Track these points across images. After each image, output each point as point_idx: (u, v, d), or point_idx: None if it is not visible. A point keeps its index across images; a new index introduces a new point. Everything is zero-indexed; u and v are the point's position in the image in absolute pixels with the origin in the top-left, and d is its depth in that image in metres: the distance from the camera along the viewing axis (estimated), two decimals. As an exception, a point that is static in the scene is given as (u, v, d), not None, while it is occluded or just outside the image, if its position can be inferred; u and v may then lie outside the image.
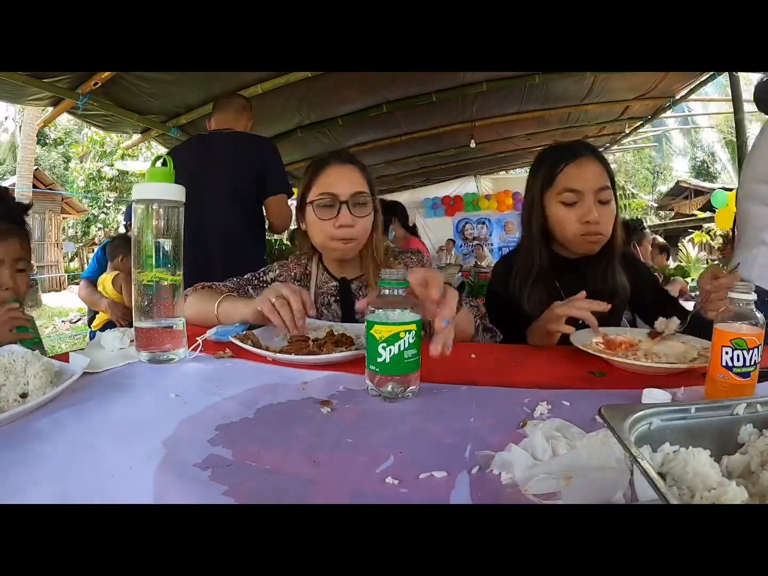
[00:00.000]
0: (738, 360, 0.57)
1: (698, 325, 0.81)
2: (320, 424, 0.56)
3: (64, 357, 0.74)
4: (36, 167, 10.77)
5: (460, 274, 4.77)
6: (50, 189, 12.05)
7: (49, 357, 0.70)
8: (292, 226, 2.05)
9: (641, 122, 4.86)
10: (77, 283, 2.58)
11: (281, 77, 2.57)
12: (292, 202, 1.36)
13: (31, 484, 0.43)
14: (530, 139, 5.23)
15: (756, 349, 0.56)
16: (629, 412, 0.40)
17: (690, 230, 7.92)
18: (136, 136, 3.06)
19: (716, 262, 6.30)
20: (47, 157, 14.20)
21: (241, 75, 2.49)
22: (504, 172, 8.29)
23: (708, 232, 8.04)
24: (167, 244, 0.78)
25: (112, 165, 13.28)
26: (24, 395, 0.60)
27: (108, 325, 2.26)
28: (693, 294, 3.11)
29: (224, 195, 1.85)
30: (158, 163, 0.81)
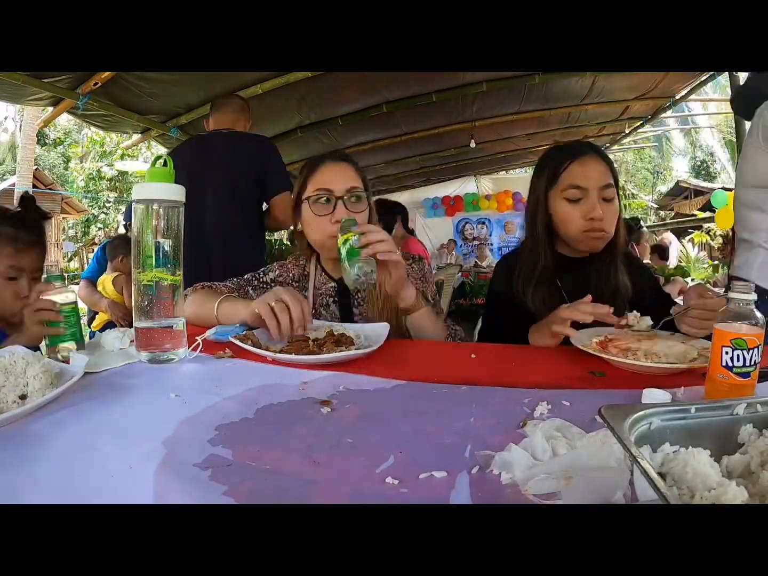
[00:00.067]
0: (738, 360, 0.56)
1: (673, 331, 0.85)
2: (320, 424, 0.56)
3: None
4: (36, 167, 10.77)
5: (460, 274, 4.77)
6: (50, 189, 12.05)
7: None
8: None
9: (641, 122, 4.86)
10: (77, 284, 2.57)
11: (281, 77, 2.57)
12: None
13: (31, 484, 0.43)
14: (530, 139, 5.23)
15: (756, 349, 0.56)
16: (629, 412, 0.40)
17: (690, 230, 7.92)
18: (136, 136, 3.06)
19: (716, 262, 6.30)
20: (47, 157, 14.20)
21: (241, 75, 2.49)
22: (504, 172, 8.28)
23: (708, 232, 8.04)
24: (167, 244, 0.78)
25: (112, 165, 13.29)
26: (23, 396, 0.60)
27: (108, 325, 2.26)
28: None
29: (224, 195, 1.85)
30: (158, 163, 0.81)
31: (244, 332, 0.87)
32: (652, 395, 0.58)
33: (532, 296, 1.05)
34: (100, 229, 14.46)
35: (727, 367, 0.57)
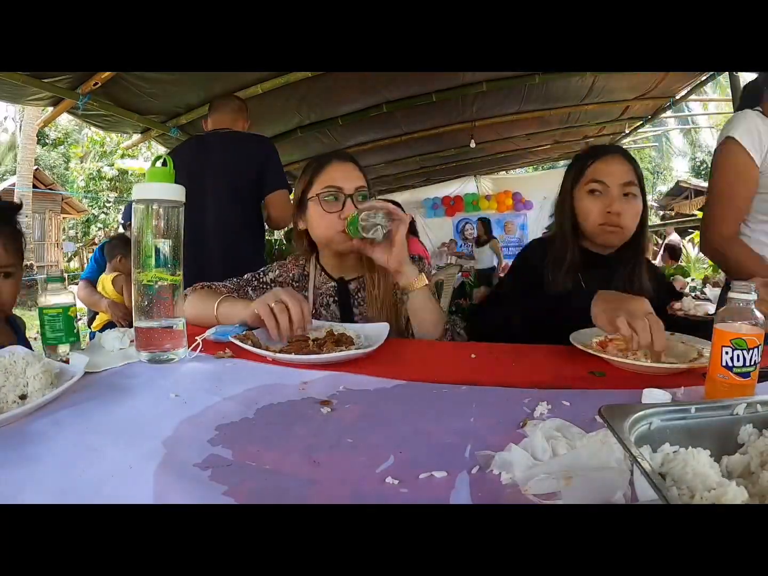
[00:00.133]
0: (738, 360, 0.56)
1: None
2: (320, 424, 0.56)
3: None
4: (36, 167, 10.77)
5: (460, 274, 4.77)
6: (50, 189, 12.06)
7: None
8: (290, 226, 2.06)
9: (641, 122, 4.86)
10: (77, 284, 2.57)
11: (281, 77, 2.57)
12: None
13: (32, 483, 0.43)
14: (530, 139, 5.23)
15: (756, 349, 0.56)
16: (629, 412, 0.40)
17: (690, 230, 7.91)
18: (136, 136, 3.06)
19: (711, 260, 6.30)
20: (47, 157, 14.19)
21: (241, 75, 2.49)
22: (504, 172, 8.28)
23: (708, 232, 8.02)
24: (167, 244, 0.78)
25: (112, 165, 13.30)
26: (23, 396, 0.60)
27: (108, 325, 2.26)
28: (694, 295, 3.11)
29: (224, 195, 1.85)
30: (158, 163, 0.81)
31: (244, 332, 0.87)
32: (652, 395, 0.58)
33: (557, 286, 1.07)
34: (100, 229, 14.46)
35: (727, 367, 0.57)
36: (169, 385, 0.69)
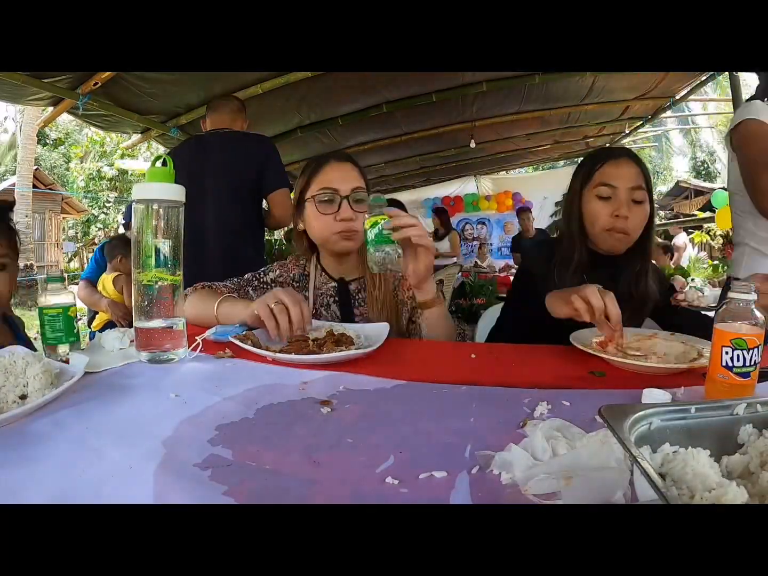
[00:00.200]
0: (738, 360, 0.57)
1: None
2: (320, 424, 0.56)
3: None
4: (36, 167, 10.77)
5: (460, 274, 4.77)
6: (50, 189, 12.05)
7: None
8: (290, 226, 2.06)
9: (641, 122, 4.86)
10: (77, 284, 2.57)
11: (281, 77, 2.57)
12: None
13: (31, 484, 0.43)
14: (530, 139, 5.23)
15: (756, 349, 0.56)
16: (629, 412, 0.40)
17: (690, 230, 7.91)
18: (136, 136, 3.06)
19: (716, 262, 6.30)
20: (47, 157, 14.20)
21: (241, 75, 2.49)
22: (504, 172, 8.28)
23: (708, 232, 8.04)
24: (167, 244, 0.78)
25: (112, 165, 13.29)
26: (23, 397, 0.60)
27: (108, 325, 2.26)
28: (683, 293, 3.11)
29: (224, 195, 1.85)
30: (158, 163, 0.81)
31: (244, 332, 0.87)
32: (652, 395, 0.58)
33: (563, 286, 1.06)
34: (100, 229, 14.46)
35: (727, 367, 0.57)
36: (169, 385, 0.69)
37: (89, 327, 2.49)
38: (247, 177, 1.87)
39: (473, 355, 0.84)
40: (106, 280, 2.30)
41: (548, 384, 0.68)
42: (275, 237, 5.00)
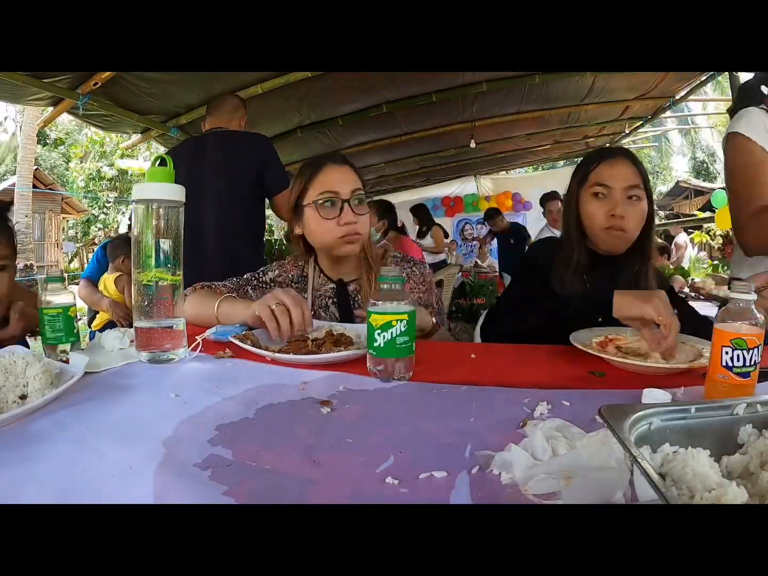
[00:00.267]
0: (738, 360, 0.56)
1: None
2: (320, 424, 0.56)
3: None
4: (36, 167, 10.77)
5: (460, 274, 4.77)
6: (50, 189, 12.06)
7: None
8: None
9: (641, 122, 4.86)
10: (77, 283, 2.57)
11: (281, 77, 2.57)
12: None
13: (31, 484, 0.43)
14: (530, 139, 5.23)
15: (756, 349, 0.56)
16: (629, 412, 0.40)
17: (690, 230, 7.91)
18: (136, 136, 3.06)
19: (716, 262, 6.30)
20: (47, 157, 14.20)
21: (241, 75, 2.49)
22: (504, 172, 8.29)
23: (708, 232, 8.04)
24: (167, 244, 0.78)
25: (112, 165, 13.30)
26: (23, 397, 0.60)
27: (108, 325, 2.26)
28: (694, 295, 3.11)
29: (223, 195, 1.85)
30: (158, 163, 0.81)
31: (244, 332, 0.87)
32: (652, 395, 0.58)
33: (563, 285, 1.07)
34: (100, 229, 14.47)
35: (727, 367, 0.57)
36: (169, 385, 0.69)
37: (89, 327, 2.49)
38: (247, 177, 1.87)
39: (473, 355, 0.84)
40: (108, 280, 2.30)
41: (548, 384, 0.68)
42: (275, 237, 5.00)
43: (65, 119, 11.81)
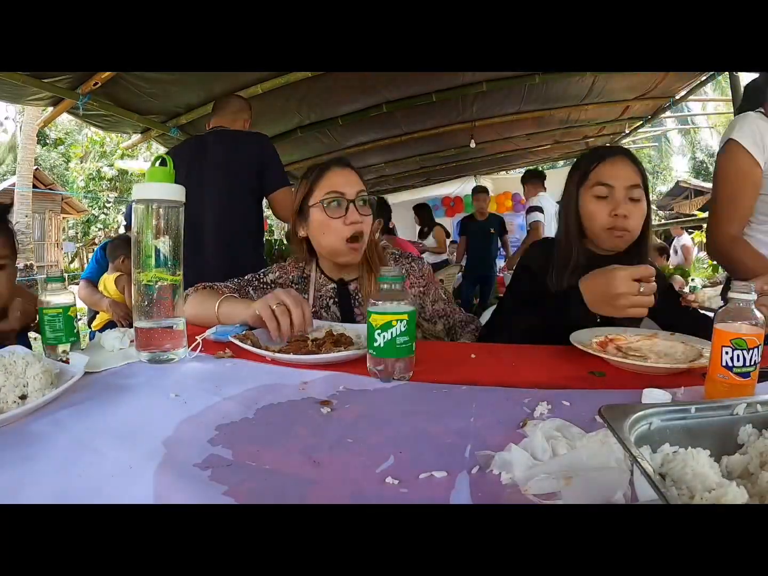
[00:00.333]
0: (738, 360, 0.56)
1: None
2: (320, 424, 0.56)
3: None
4: (36, 167, 10.78)
5: (460, 273, 4.77)
6: (50, 189, 12.06)
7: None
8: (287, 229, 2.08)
9: (641, 122, 4.86)
10: (77, 284, 2.57)
11: (281, 77, 2.57)
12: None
13: (32, 484, 0.43)
14: (530, 139, 5.22)
15: (756, 349, 0.56)
16: (629, 412, 0.40)
17: (690, 230, 7.91)
18: (136, 136, 3.06)
19: (716, 263, 6.29)
20: (47, 157, 14.19)
21: (241, 75, 2.49)
22: (504, 172, 8.28)
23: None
24: (167, 244, 0.78)
25: (112, 165, 13.30)
26: (23, 397, 0.60)
27: (108, 325, 2.26)
28: (693, 294, 3.12)
29: (222, 194, 1.85)
30: (158, 163, 0.81)
31: (244, 332, 0.87)
32: (652, 395, 0.58)
33: (561, 288, 1.06)
34: (100, 229, 14.47)
35: (727, 367, 0.57)
36: (169, 385, 0.69)
37: (89, 327, 2.49)
38: (247, 176, 1.87)
39: (473, 355, 0.84)
40: (108, 280, 2.30)
41: (548, 384, 0.68)
42: (275, 237, 5.00)
43: (65, 119, 11.81)
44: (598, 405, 0.41)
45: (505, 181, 8.29)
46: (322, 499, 0.41)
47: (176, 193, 0.79)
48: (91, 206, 14.32)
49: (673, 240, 6.55)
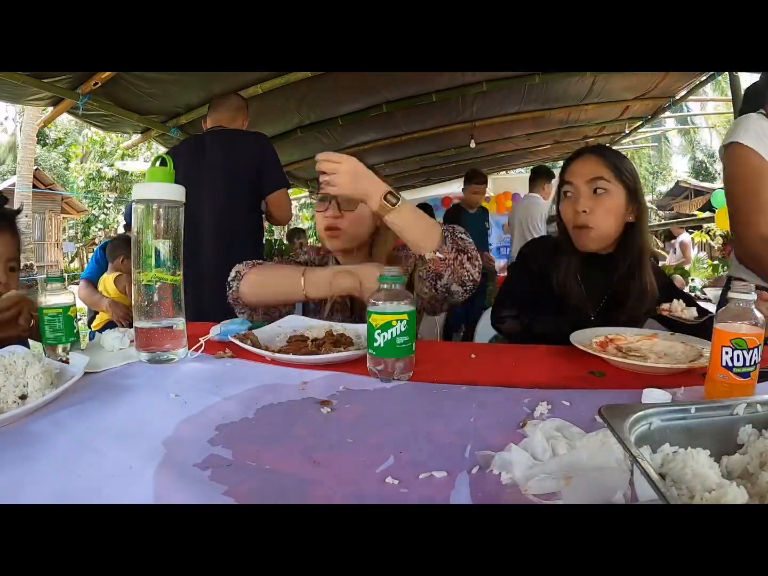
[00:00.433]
0: (738, 360, 0.56)
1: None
2: (320, 424, 0.56)
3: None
4: (36, 167, 10.78)
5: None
6: (50, 189, 12.06)
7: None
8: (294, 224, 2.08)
9: (641, 122, 4.86)
10: (77, 284, 2.57)
11: (281, 77, 2.57)
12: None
13: (32, 484, 0.43)
14: (530, 139, 5.22)
15: (756, 349, 0.56)
16: (629, 412, 0.40)
17: (690, 230, 7.91)
18: (136, 136, 3.05)
19: (716, 262, 6.30)
20: (47, 157, 14.19)
21: (241, 75, 2.48)
22: (504, 172, 8.28)
23: (708, 232, 8.03)
24: (167, 244, 0.78)
25: (112, 165, 13.30)
26: (23, 397, 0.60)
27: (108, 325, 2.26)
28: (694, 295, 3.12)
29: (222, 194, 1.85)
30: (158, 163, 0.81)
31: (244, 332, 0.87)
32: (652, 395, 0.58)
33: (559, 288, 1.07)
34: (100, 229, 14.46)
35: (727, 367, 0.57)
36: (169, 385, 0.69)
37: (89, 327, 2.49)
38: (247, 176, 1.87)
39: (473, 355, 0.84)
40: (108, 280, 2.29)
41: (548, 384, 0.68)
42: (275, 237, 5.00)
43: (65, 119, 11.81)
44: (598, 405, 0.41)
45: (506, 181, 8.29)
46: (322, 499, 0.41)
47: (176, 193, 0.79)
48: (91, 206, 14.32)
49: (676, 238, 6.54)
